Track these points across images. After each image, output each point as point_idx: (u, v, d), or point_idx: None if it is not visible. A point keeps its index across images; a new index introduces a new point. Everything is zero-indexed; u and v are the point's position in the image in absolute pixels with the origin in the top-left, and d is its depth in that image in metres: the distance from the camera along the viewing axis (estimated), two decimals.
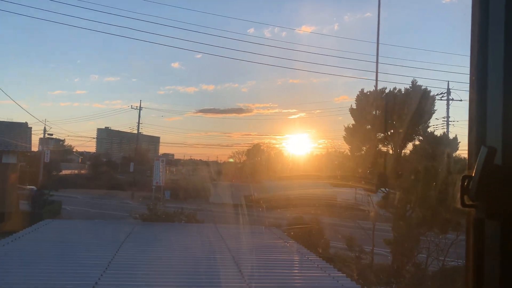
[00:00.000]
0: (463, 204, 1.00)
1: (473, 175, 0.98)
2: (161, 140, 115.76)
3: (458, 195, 1.01)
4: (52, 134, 43.99)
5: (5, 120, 29.13)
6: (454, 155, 15.62)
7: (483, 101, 1.02)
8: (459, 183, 1.00)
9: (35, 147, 34.26)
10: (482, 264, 0.97)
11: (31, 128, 27.68)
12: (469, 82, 1.04)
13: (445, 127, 34.13)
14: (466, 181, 1.00)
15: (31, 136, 27.02)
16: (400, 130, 13.91)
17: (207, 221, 17.79)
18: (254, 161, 52.72)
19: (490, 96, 1.00)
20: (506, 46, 0.96)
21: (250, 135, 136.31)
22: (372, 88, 16.06)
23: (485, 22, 1.00)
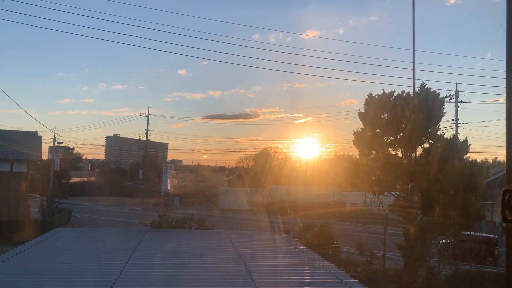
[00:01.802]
0: (504, 219, 0.96)
1: None
2: (169, 147, 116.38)
3: (499, 210, 0.97)
4: (61, 143, 44.29)
5: (16, 129, 29.48)
6: (464, 157, 15.48)
7: None
8: (499, 198, 0.96)
9: (44, 156, 34.51)
10: None
11: (41, 136, 27.91)
12: (505, 94, 1.00)
13: (454, 129, 33.96)
14: (508, 195, 0.95)
15: (41, 144, 27.25)
16: (411, 134, 13.82)
17: (217, 227, 17.78)
18: (262, 166, 52.63)
19: None
20: None
21: (257, 140, 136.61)
22: (379, 92, 15.97)
23: None
